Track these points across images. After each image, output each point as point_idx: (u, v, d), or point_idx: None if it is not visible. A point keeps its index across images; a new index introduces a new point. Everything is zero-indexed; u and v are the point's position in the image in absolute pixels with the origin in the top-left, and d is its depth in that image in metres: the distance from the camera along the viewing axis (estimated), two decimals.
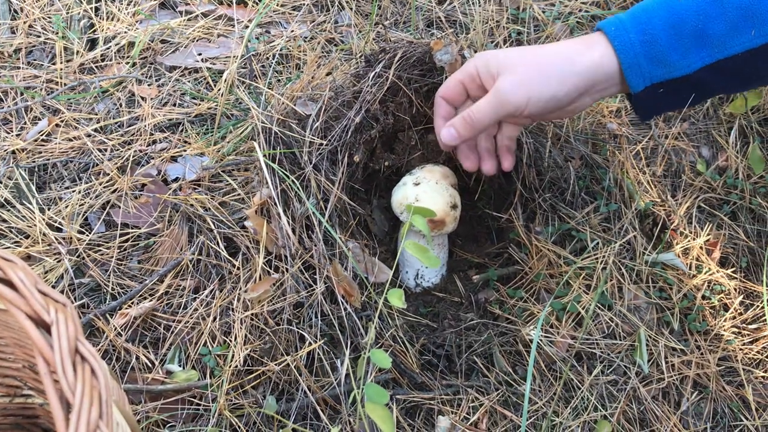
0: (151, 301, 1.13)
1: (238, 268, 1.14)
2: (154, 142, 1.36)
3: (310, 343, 1.05)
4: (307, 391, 1.03)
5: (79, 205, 1.26)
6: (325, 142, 1.13)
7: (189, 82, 1.48)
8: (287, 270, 1.09)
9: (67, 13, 1.58)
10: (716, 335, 1.17)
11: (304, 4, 1.63)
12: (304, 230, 1.11)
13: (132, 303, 1.14)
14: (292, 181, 1.11)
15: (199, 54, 1.51)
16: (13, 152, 1.34)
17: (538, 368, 1.10)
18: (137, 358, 1.09)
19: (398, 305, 0.89)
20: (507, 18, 1.57)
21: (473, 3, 1.59)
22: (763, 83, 1.12)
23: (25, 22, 1.56)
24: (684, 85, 0.98)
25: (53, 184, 1.31)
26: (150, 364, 1.09)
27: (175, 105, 1.44)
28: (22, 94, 1.44)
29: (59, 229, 1.23)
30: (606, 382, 1.09)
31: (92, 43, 1.55)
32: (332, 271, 1.08)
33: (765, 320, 1.18)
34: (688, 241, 1.23)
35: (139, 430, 0.70)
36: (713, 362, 1.13)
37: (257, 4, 1.62)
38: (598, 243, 1.18)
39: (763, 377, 1.14)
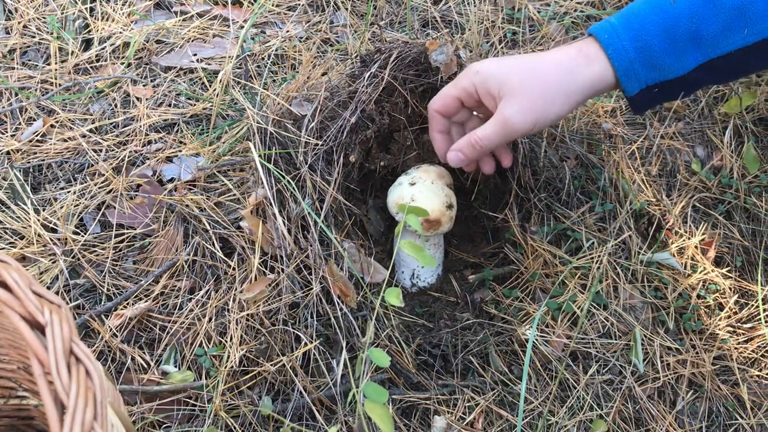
0: (146, 301, 1.13)
1: (234, 269, 1.14)
2: (150, 142, 1.36)
3: (305, 344, 1.05)
4: (303, 392, 1.03)
5: (74, 206, 1.26)
6: (320, 143, 1.13)
7: (184, 82, 1.48)
8: (283, 270, 1.09)
9: (62, 13, 1.57)
10: (711, 334, 1.17)
11: (299, 5, 1.63)
12: (300, 230, 1.11)
13: (127, 304, 1.14)
14: (288, 181, 1.11)
15: (195, 54, 1.51)
16: (8, 153, 1.34)
17: (534, 368, 1.10)
18: (132, 359, 1.08)
19: (396, 304, 0.90)
20: (502, 18, 1.58)
21: (469, 3, 1.59)
22: (754, 72, 1.12)
23: (19, 23, 1.56)
24: (678, 84, 0.99)
25: (48, 184, 1.31)
26: (145, 365, 1.09)
27: (170, 105, 1.43)
28: (16, 94, 1.44)
29: (54, 230, 1.22)
30: (601, 381, 1.09)
31: (87, 44, 1.55)
32: (328, 272, 1.08)
33: (760, 319, 1.18)
34: (683, 240, 1.23)
35: (134, 431, 0.70)
36: (708, 361, 1.13)
37: (252, 4, 1.62)
38: (593, 243, 1.19)
39: (758, 376, 1.15)
